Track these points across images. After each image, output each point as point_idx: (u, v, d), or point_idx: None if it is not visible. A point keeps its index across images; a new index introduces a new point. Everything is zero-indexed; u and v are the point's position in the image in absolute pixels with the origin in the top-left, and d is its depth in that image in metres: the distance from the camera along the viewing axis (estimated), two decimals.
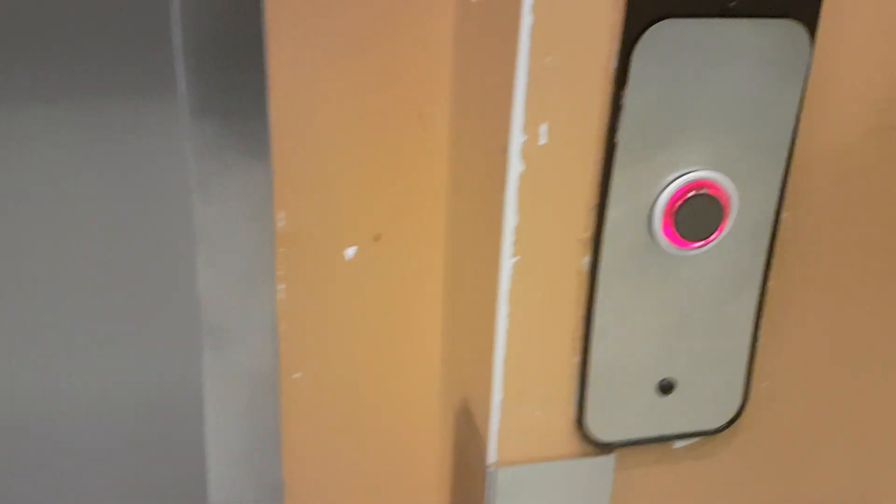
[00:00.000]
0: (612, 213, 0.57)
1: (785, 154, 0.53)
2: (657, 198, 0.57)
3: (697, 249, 0.55)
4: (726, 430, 0.60)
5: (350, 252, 0.65)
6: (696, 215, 0.55)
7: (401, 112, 0.60)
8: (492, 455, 0.55)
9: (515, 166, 0.54)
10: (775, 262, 0.56)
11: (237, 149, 0.58)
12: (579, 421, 0.57)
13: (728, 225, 0.53)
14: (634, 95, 0.54)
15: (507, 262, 0.57)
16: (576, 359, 0.56)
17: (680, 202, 0.57)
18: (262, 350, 0.65)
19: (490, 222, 0.57)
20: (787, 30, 0.54)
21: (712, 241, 0.54)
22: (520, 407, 0.55)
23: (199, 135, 0.58)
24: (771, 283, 0.57)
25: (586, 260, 0.53)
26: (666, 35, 0.52)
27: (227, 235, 0.61)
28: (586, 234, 0.57)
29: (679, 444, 0.61)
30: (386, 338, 0.66)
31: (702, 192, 0.58)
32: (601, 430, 0.57)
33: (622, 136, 0.55)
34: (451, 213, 0.66)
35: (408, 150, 0.60)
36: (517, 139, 0.53)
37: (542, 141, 0.54)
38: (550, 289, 0.58)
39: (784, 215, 0.55)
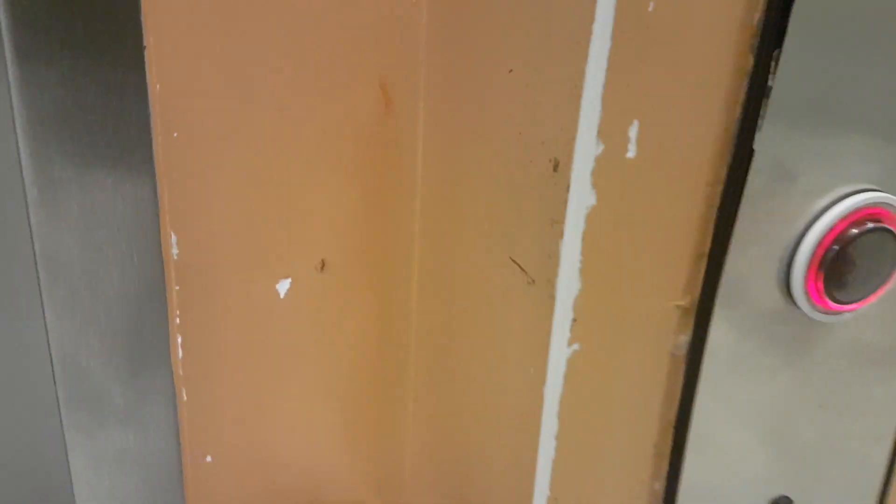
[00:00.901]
0: (732, 265, 0.33)
1: None
2: (803, 236, 0.33)
3: (857, 310, 0.37)
4: None
5: (283, 287, 0.45)
6: (863, 260, 0.37)
7: (352, 81, 0.39)
8: None
9: (580, 196, 0.29)
10: None
11: (98, 143, 0.40)
12: None
13: None
14: (789, 71, 0.29)
15: (561, 352, 0.32)
16: (658, 485, 0.36)
17: (839, 242, 0.32)
18: (157, 429, 0.50)
19: (528, 288, 0.32)
20: None
21: (880, 294, 0.37)
22: None
23: (29, 112, 0.40)
24: None
25: (684, 339, 0.36)
26: None
27: (88, 271, 0.45)
28: (687, 298, 0.32)
29: None
30: (338, 410, 0.49)
31: (872, 225, 0.33)
32: None
33: (763, 140, 0.30)
34: (431, 247, 0.41)
35: (364, 140, 0.41)
36: (587, 150, 0.28)
37: (630, 153, 0.28)
38: (626, 385, 0.35)
39: None
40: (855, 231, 0.37)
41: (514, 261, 0.36)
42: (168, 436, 0.49)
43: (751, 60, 0.32)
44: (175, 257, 0.43)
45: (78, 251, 0.44)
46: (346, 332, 0.50)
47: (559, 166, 0.32)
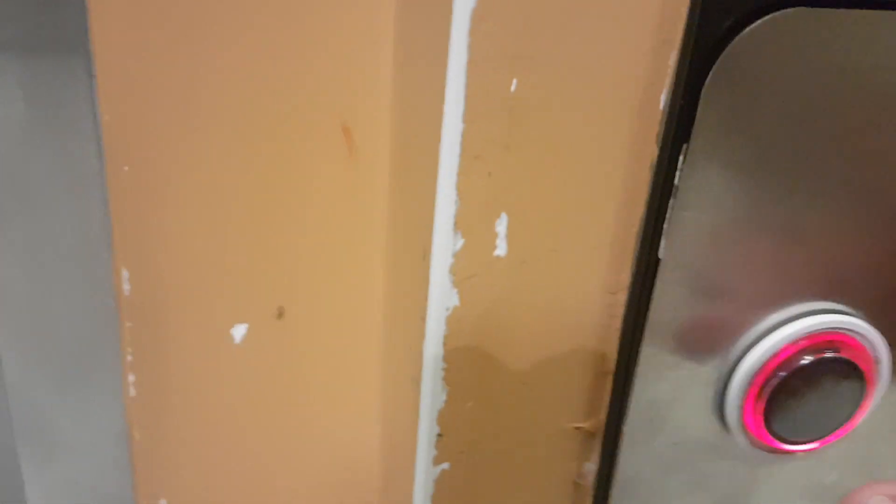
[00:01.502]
0: (643, 385, 0.27)
1: None
2: (740, 359, 0.27)
3: (808, 450, 0.31)
4: None
5: (238, 332, 0.42)
6: (816, 394, 0.30)
7: (313, 124, 0.36)
8: None
9: (440, 293, 0.24)
10: None
11: (50, 172, 0.39)
12: None
13: (868, 408, 0.22)
14: (701, 147, 0.23)
15: (428, 472, 0.26)
16: None
17: (785, 369, 0.26)
18: (107, 468, 0.48)
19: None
20: None
21: (838, 437, 0.31)
22: None
23: None
24: None
25: (590, 467, 0.26)
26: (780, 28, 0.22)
27: (37, 303, 0.44)
28: (590, 421, 0.26)
29: None
30: (295, 458, 0.45)
31: (831, 354, 0.26)
32: None
33: (670, 247, 0.24)
34: (396, 297, 0.37)
35: (325, 185, 0.38)
36: (445, 243, 0.23)
37: (499, 250, 0.23)
38: None
39: None
40: (808, 359, 0.30)
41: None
42: (122, 475, 0.47)
43: (655, 151, 0.26)
44: (127, 293, 0.41)
45: (26, 283, 0.44)
46: (304, 381, 0.47)
47: (425, 256, 0.27)
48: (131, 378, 0.43)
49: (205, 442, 0.45)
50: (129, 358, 0.42)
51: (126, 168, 0.38)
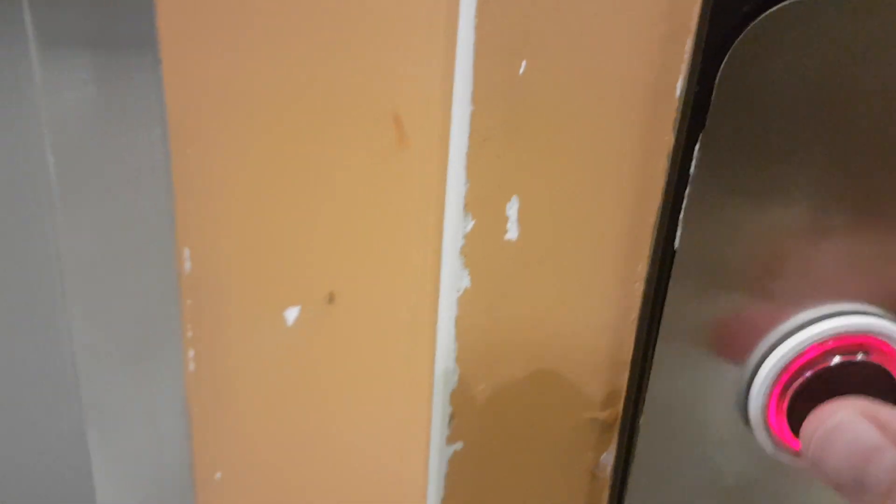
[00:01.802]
0: (661, 376, 0.26)
1: None
2: (767, 355, 0.26)
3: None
4: None
5: (291, 314, 0.42)
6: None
7: (366, 113, 0.36)
8: None
9: (451, 274, 0.25)
10: None
11: (121, 153, 0.40)
12: None
13: None
14: (718, 135, 0.23)
15: (442, 452, 0.27)
16: None
17: (810, 368, 0.25)
18: (168, 440, 0.50)
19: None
20: None
21: None
22: None
23: (54, 103, 0.40)
24: None
25: (608, 458, 0.30)
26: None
27: (107, 278, 0.45)
28: (607, 412, 0.26)
29: None
30: (345, 439, 0.44)
31: (862, 356, 0.26)
32: None
33: (686, 238, 0.24)
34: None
35: (377, 174, 0.37)
36: (455, 224, 0.23)
37: (510, 234, 0.23)
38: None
39: None
40: (836, 360, 0.29)
41: None
42: (182, 448, 0.50)
43: (671, 139, 0.25)
44: (188, 271, 0.43)
45: (96, 260, 0.45)
46: (353, 364, 0.48)
47: (437, 237, 0.28)
48: (191, 353, 0.45)
49: (258, 418, 0.46)
50: (189, 334, 0.44)
51: (189, 151, 0.39)
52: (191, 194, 0.40)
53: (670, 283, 0.27)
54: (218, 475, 0.47)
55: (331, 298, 0.44)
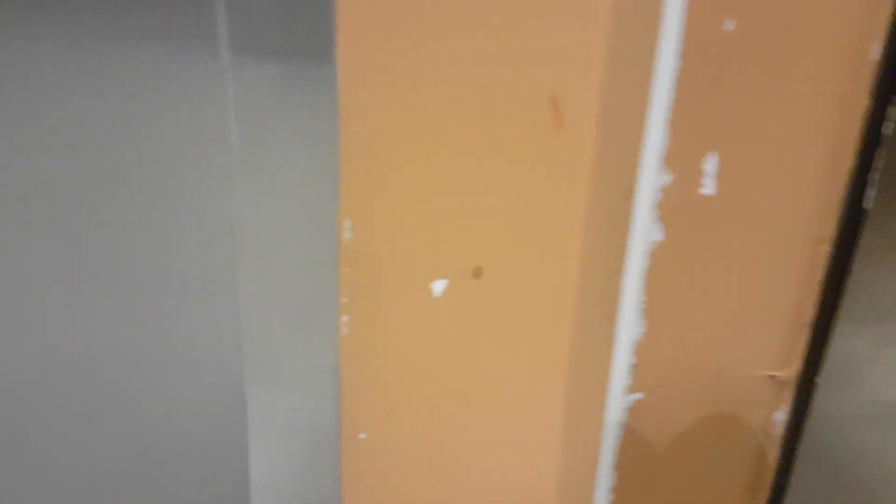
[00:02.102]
0: (842, 339, 0.28)
1: None
2: None
3: None
4: None
5: (439, 287, 0.45)
6: None
7: (524, 95, 0.39)
8: None
9: (643, 228, 0.27)
10: None
11: (292, 120, 0.44)
12: None
13: None
14: None
15: (618, 402, 0.29)
16: None
17: None
18: (319, 400, 0.53)
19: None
20: None
21: None
22: None
23: (242, 94, 0.44)
24: None
25: (780, 416, 0.25)
26: None
27: (275, 241, 0.48)
28: (786, 370, 0.28)
29: None
30: (488, 400, 0.47)
31: None
32: None
33: (881, 185, 0.25)
34: (591, 262, 0.39)
35: (532, 153, 0.40)
36: (652, 179, 0.25)
37: (706, 189, 0.25)
38: (702, 452, 0.30)
39: None
40: None
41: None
42: (331, 408, 0.52)
43: (867, 101, 0.27)
44: (347, 241, 0.46)
45: (265, 227, 0.48)
46: (497, 339, 0.50)
47: (629, 193, 0.30)
48: (345, 318, 0.48)
49: (403, 383, 0.49)
50: (345, 300, 0.47)
51: (355, 128, 0.42)
52: (354, 170, 0.42)
53: (859, 243, 0.29)
54: (362, 435, 0.50)
55: (477, 273, 0.46)
